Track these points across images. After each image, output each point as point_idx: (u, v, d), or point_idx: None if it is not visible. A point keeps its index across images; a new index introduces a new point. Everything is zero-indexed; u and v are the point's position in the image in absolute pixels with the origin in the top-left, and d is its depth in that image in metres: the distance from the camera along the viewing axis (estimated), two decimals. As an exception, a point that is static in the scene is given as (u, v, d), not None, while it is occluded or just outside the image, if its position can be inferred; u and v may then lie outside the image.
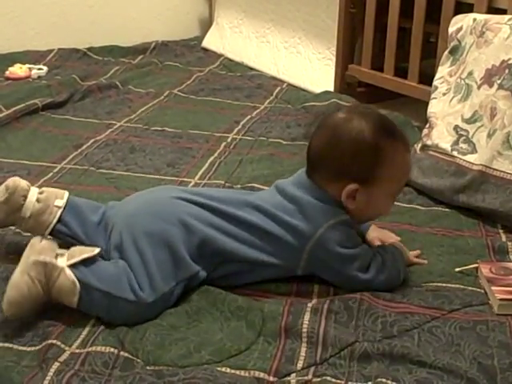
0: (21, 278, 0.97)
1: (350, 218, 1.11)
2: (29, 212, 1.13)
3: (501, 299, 1.06)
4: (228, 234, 1.08)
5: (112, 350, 0.94)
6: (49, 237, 1.10)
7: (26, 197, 1.13)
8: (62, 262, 1.01)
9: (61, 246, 1.06)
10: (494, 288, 1.10)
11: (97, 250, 1.04)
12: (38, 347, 0.95)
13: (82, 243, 1.12)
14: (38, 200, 1.14)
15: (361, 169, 1.08)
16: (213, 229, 1.08)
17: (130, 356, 0.94)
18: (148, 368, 0.91)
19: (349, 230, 1.11)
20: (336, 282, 1.12)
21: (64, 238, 1.14)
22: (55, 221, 1.14)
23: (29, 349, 0.95)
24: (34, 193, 1.15)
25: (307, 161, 1.14)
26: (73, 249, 1.05)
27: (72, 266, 1.00)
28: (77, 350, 0.94)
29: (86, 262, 1.02)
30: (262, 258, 1.09)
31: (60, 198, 1.16)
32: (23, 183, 1.15)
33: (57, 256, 1.02)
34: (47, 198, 1.15)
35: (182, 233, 1.06)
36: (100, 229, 1.14)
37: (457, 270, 1.17)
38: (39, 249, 1.01)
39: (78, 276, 1.00)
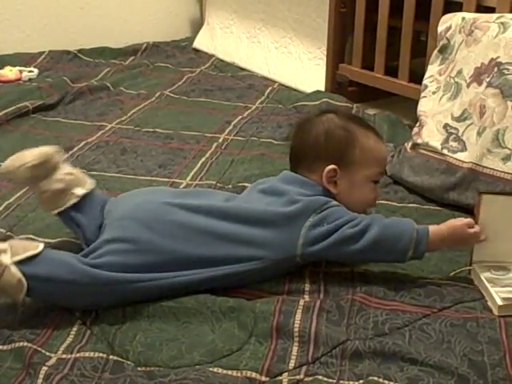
0: None
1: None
2: (48, 188, 1.13)
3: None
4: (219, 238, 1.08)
5: (101, 354, 0.94)
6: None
7: (51, 173, 1.13)
8: (6, 258, 0.98)
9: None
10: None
11: (41, 247, 1.01)
12: (16, 344, 0.94)
13: (85, 237, 1.13)
14: (60, 180, 1.14)
15: (335, 150, 1.16)
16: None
17: (120, 359, 0.93)
18: (139, 369, 0.91)
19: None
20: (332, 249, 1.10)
21: (70, 224, 1.16)
22: (65, 207, 1.14)
23: (5, 347, 0.94)
24: (61, 171, 1.15)
25: (290, 160, 1.23)
26: (14, 243, 1.02)
27: (18, 263, 0.98)
28: (63, 356, 0.93)
29: (32, 258, 1.00)
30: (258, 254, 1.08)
31: (82, 187, 1.15)
32: (53, 162, 1.14)
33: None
34: (69, 183, 1.15)
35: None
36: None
37: (451, 274, 1.16)
38: None
39: (25, 271, 0.98)
